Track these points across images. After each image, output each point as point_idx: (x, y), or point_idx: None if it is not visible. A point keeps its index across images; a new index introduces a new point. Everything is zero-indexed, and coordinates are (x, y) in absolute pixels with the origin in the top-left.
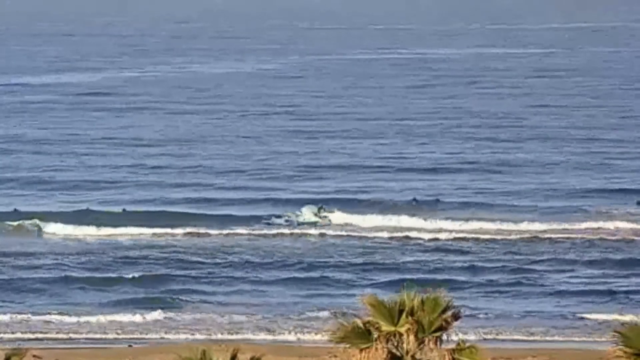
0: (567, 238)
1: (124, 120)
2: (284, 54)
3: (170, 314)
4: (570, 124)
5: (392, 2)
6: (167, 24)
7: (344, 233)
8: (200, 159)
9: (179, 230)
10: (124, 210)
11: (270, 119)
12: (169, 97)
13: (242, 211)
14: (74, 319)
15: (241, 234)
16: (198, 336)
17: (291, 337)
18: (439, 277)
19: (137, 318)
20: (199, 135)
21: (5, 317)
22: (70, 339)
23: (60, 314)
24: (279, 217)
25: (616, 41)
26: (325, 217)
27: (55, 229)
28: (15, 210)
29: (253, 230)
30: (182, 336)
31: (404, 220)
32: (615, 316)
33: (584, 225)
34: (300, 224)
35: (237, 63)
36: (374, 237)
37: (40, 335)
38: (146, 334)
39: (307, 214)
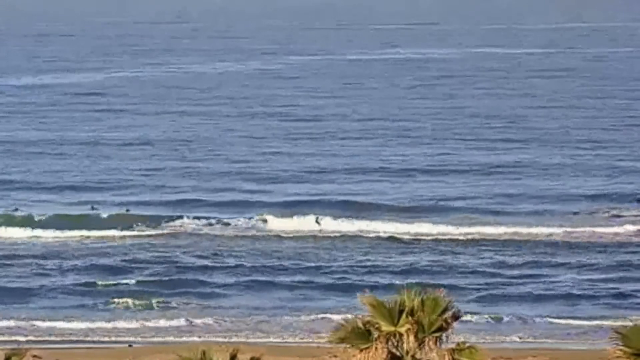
0: (569, 240)
1: (122, 120)
2: (283, 54)
3: (170, 316)
4: (570, 125)
5: (392, 2)
6: (167, 24)
7: (338, 235)
8: (200, 160)
9: (178, 231)
10: (127, 210)
11: (269, 119)
12: (168, 98)
13: (240, 213)
14: (72, 324)
15: (238, 236)
16: (198, 337)
17: (289, 339)
18: (438, 279)
19: (137, 319)
20: (198, 136)
21: (3, 322)
22: (70, 340)
23: (57, 319)
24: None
25: (616, 41)
26: (319, 220)
27: (56, 232)
28: (16, 209)
29: (249, 231)
30: (182, 337)
31: (402, 223)
32: (619, 320)
33: (586, 227)
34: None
35: (236, 63)
36: (371, 240)
37: (39, 338)
38: (146, 335)
39: (304, 218)
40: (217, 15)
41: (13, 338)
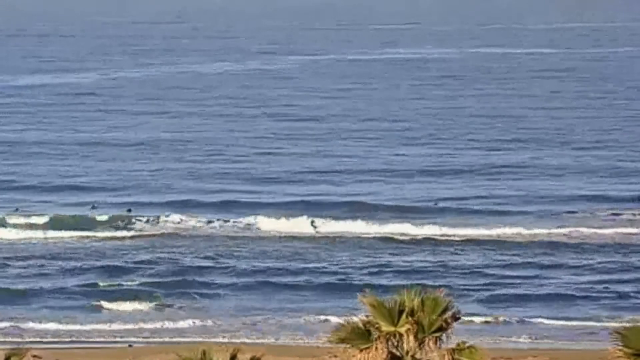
0: (569, 241)
1: (122, 120)
2: (283, 54)
3: (171, 316)
4: (570, 125)
5: (392, 2)
6: (167, 24)
7: (337, 236)
8: (200, 161)
9: (178, 232)
10: (129, 210)
11: (269, 119)
12: (168, 98)
13: (240, 214)
14: (73, 324)
15: (238, 236)
16: (198, 337)
17: (289, 339)
18: (438, 280)
19: (137, 320)
20: (198, 136)
21: (3, 323)
22: (70, 340)
23: (57, 319)
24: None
25: (616, 41)
26: (316, 222)
27: (57, 232)
28: (16, 209)
29: (249, 232)
30: (182, 337)
31: (401, 224)
32: (619, 321)
33: (586, 227)
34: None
35: (236, 63)
36: (371, 241)
37: (39, 339)
38: (146, 335)
39: (304, 219)
40: (217, 15)
41: (14, 339)
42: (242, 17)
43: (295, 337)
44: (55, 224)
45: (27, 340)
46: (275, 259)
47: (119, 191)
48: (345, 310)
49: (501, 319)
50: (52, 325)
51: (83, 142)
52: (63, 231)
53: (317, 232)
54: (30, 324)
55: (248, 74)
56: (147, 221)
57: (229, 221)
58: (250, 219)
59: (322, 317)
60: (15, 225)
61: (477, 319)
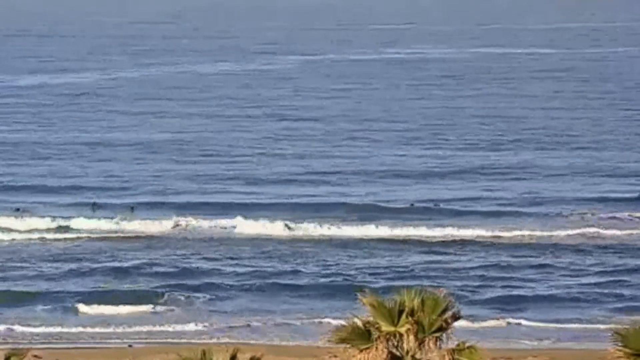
0: (570, 242)
1: (122, 121)
2: (283, 54)
3: (171, 316)
4: (570, 125)
5: (392, 2)
6: (167, 24)
7: (337, 237)
8: (200, 162)
9: (179, 233)
10: (132, 209)
11: (269, 120)
12: (168, 98)
13: (239, 215)
14: (73, 324)
15: (239, 238)
16: (198, 338)
17: (289, 340)
18: (438, 282)
19: (137, 320)
20: (198, 137)
21: (4, 324)
22: (70, 340)
23: (58, 320)
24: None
25: (616, 41)
26: (295, 227)
27: (57, 234)
28: (17, 210)
29: (249, 234)
30: (182, 337)
31: (400, 226)
32: (619, 321)
33: (587, 229)
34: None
35: (236, 63)
36: (372, 242)
37: (40, 339)
38: (146, 335)
39: (302, 220)
40: (217, 15)
41: (13, 340)
42: (242, 17)
43: (295, 337)
44: (55, 224)
45: (27, 341)
46: (276, 259)
47: (119, 191)
48: (345, 311)
49: (501, 319)
50: (53, 325)
51: (83, 142)
52: (63, 232)
53: (319, 233)
54: (30, 326)
55: (248, 74)
56: (148, 222)
57: (229, 222)
58: (251, 220)
59: (322, 318)
60: (14, 226)
61: (477, 320)
